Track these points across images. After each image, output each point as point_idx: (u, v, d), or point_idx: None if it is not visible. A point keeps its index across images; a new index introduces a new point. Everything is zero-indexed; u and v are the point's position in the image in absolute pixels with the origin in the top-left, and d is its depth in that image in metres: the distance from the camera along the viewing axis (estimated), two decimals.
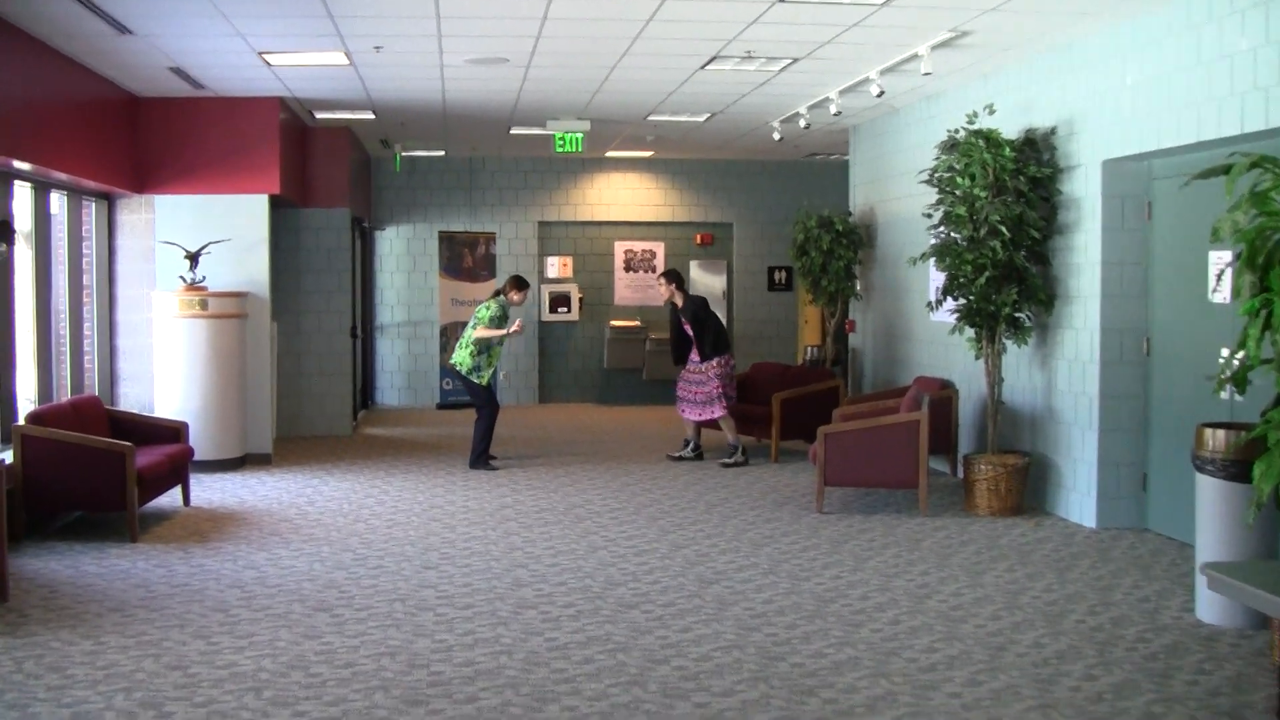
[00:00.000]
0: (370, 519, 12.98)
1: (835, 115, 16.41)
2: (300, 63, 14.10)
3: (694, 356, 16.69)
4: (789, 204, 24.17)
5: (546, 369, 24.63)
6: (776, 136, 18.97)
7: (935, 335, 16.14)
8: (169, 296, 15.72)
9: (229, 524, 12.68)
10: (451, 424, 20.84)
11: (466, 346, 16.29)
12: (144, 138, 16.29)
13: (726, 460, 16.50)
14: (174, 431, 13.74)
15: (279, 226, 18.95)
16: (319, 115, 18.24)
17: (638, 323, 24.45)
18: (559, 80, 15.44)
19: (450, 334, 23.14)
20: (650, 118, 18.53)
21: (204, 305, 15.65)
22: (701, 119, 18.62)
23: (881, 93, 14.67)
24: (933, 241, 13.96)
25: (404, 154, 22.70)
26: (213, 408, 15.80)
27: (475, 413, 16.56)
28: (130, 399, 16.41)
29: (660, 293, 16.97)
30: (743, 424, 17.30)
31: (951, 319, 13.88)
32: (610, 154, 23.70)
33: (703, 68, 14.46)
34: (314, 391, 19.50)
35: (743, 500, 14.12)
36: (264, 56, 13.67)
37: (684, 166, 24.79)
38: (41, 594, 9.96)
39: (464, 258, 23.50)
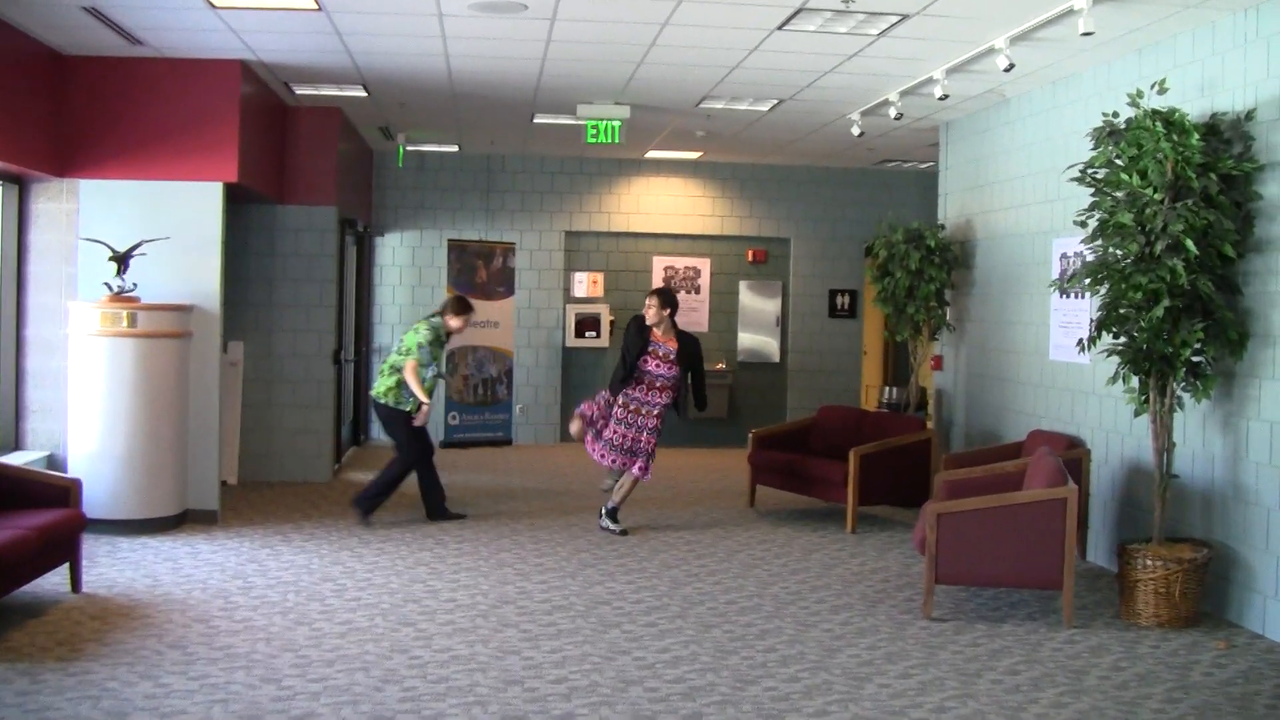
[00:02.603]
0: (320, 618, 9.61)
1: (941, 99, 13.14)
2: (251, 3, 10.81)
3: (646, 396, 13.28)
4: (855, 218, 21.37)
5: (570, 402, 21.12)
6: (856, 132, 15.72)
7: (1057, 379, 12.98)
8: (88, 308, 12.47)
9: (121, 624, 9.33)
10: (455, 467, 17.57)
11: (390, 375, 13.54)
12: (68, 107, 13.06)
13: (611, 526, 13.45)
14: (61, 492, 10.35)
15: (249, 225, 15.96)
16: (299, 91, 15.03)
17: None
18: (593, 44, 12.26)
19: (459, 360, 19.93)
20: (703, 104, 15.30)
21: (132, 320, 12.39)
22: (765, 108, 15.39)
23: (1010, 66, 11.37)
24: (1086, 257, 10.79)
25: (409, 147, 19.51)
26: (140, 451, 12.54)
27: (394, 450, 13.88)
28: (40, 437, 13.12)
29: (647, 314, 13.35)
30: (809, 485, 14.13)
31: (1091, 360, 11.24)
32: (651, 154, 20.53)
33: (781, 26, 11.23)
34: (286, 427, 16.24)
35: (821, 594, 10.77)
36: None
37: (736, 171, 21.55)
38: None
39: (478, 271, 20.26)
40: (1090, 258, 10.44)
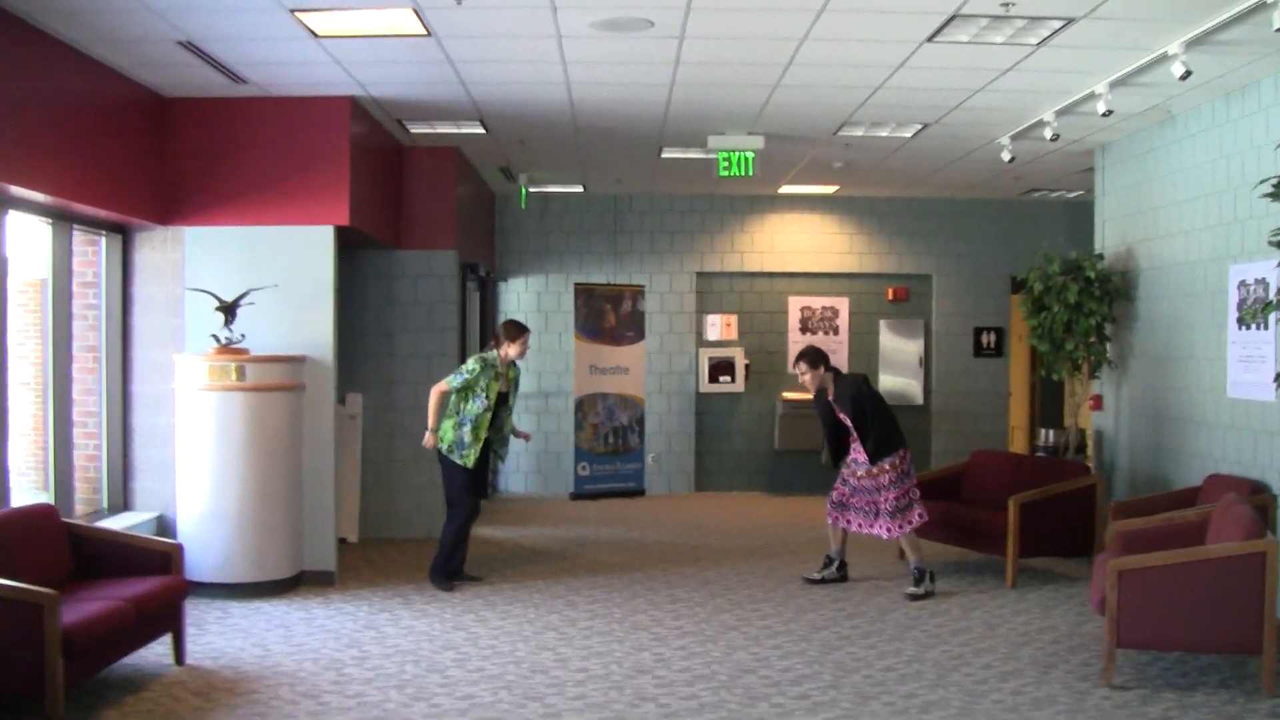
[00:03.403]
0: (439, 692, 8.77)
1: (1104, 115, 12.07)
2: (355, 29, 10.08)
3: (857, 455, 12.46)
4: (1000, 251, 20.32)
5: (704, 450, 20.40)
6: (1006, 157, 14.73)
7: (1237, 418, 11.90)
8: (195, 361, 11.77)
9: (224, 700, 8.55)
10: (586, 521, 16.72)
11: (449, 417, 12.50)
12: (171, 152, 12.40)
13: (913, 590, 12.21)
14: (162, 558, 9.56)
15: (365, 272, 15.27)
16: (414, 129, 14.27)
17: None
18: (724, 65, 11.38)
19: (588, 407, 19.07)
20: (842, 132, 14.37)
21: (241, 373, 11.67)
22: (909, 134, 14.44)
23: (1187, 74, 10.35)
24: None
25: (531, 188, 18.70)
26: (252, 510, 11.81)
27: (447, 509, 12.77)
28: (149, 497, 12.40)
29: (804, 381, 12.56)
30: (964, 536, 13.14)
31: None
32: (785, 189, 19.59)
33: (931, 38, 10.31)
34: (408, 483, 15.46)
35: (987, 658, 9.78)
36: (299, 17, 9.65)
37: (874, 206, 20.57)
38: None
39: (605, 315, 19.40)
40: None
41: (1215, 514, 9.97)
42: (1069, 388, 15.20)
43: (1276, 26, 9.00)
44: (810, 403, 18.25)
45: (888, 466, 12.11)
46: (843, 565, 12.83)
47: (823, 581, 12.70)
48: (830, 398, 12.42)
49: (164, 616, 9.15)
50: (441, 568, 12.48)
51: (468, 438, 12.25)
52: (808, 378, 12.38)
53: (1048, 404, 21.63)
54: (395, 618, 11.03)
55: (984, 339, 20.69)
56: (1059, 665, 9.56)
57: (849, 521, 12.48)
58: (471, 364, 12.32)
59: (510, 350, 12.50)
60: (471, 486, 12.51)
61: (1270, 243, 9.38)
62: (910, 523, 12.12)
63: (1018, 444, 21.33)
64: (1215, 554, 8.83)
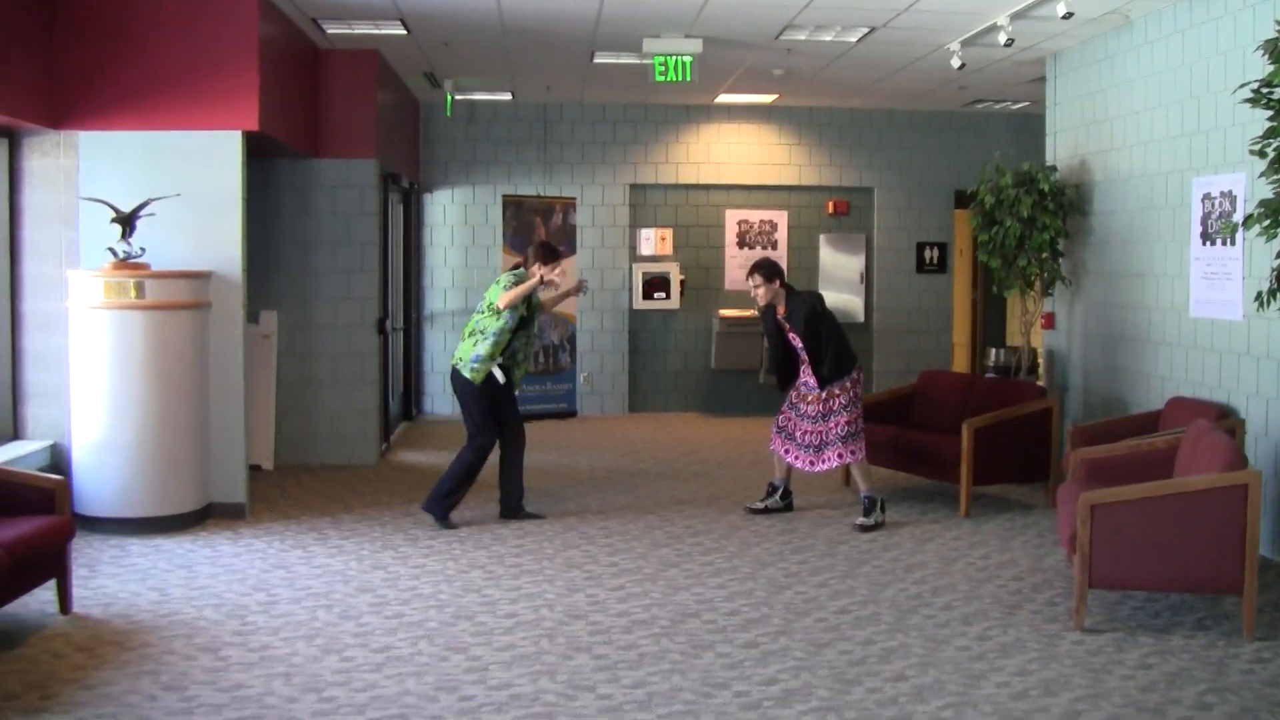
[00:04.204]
0: (353, 644, 7.99)
1: (1065, 17, 11.33)
2: None
3: (806, 378, 11.67)
4: (944, 165, 19.78)
5: (639, 370, 19.67)
6: (956, 64, 13.98)
7: (1200, 338, 11.33)
8: (90, 278, 10.90)
9: (111, 657, 7.71)
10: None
11: (469, 338, 11.48)
12: (62, 49, 11.42)
13: (864, 520, 11.49)
14: (45, 495, 8.69)
15: (279, 183, 14.39)
16: (331, 30, 13.43)
17: (754, 312, 19.00)
18: None
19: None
20: (785, 35, 13.61)
21: (140, 290, 10.82)
22: (854, 38, 13.70)
23: None
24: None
25: (457, 95, 17.85)
26: (154, 439, 10.97)
27: (468, 435, 11.69)
28: (41, 425, 11.49)
29: (756, 295, 11.69)
30: (914, 461, 12.49)
31: (1245, 316, 10.36)
32: (722, 99, 18.78)
33: None
34: (327, 407, 14.66)
35: (947, 598, 9.10)
36: None
37: (814, 116, 19.78)
38: None
39: (536, 229, 18.57)
40: (1270, 193, 8.65)
41: (1185, 441, 9.34)
42: (1021, 305, 14.49)
43: None
44: (749, 320, 17.68)
45: (837, 391, 11.37)
46: (787, 493, 12.13)
47: (766, 511, 12.01)
48: (781, 315, 11.65)
49: (45, 561, 8.27)
50: (443, 498, 11.52)
51: (484, 352, 11.29)
52: (761, 291, 11.54)
53: (990, 321, 21.03)
54: (308, 555, 10.26)
55: (927, 254, 20.03)
56: (1024, 605, 8.89)
57: (791, 454, 11.74)
58: (507, 278, 11.45)
59: (540, 272, 11.50)
60: (493, 411, 11.56)
61: (1251, 151, 8.63)
62: (860, 450, 11.40)
63: (960, 362, 20.73)
64: (1194, 486, 8.14)
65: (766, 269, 11.56)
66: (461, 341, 11.53)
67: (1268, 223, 8.28)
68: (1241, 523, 8.02)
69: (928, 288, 20.08)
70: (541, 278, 11.31)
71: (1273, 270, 8.41)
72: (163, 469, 10.99)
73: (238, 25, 11.58)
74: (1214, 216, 10.92)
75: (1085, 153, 13.71)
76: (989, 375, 15.15)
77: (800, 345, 11.48)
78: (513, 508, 11.80)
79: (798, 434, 11.63)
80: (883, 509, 11.51)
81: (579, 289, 12.30)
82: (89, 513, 10.81)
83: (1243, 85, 8.71)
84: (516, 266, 11.75)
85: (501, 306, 11.19)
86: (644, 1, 12.13)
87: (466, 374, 11.32)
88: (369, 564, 9.96)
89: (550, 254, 11.63)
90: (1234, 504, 8.03)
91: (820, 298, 11.82)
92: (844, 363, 11.41)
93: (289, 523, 11.47)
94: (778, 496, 12.09)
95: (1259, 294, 8.47)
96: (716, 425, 18.39)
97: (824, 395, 11.40)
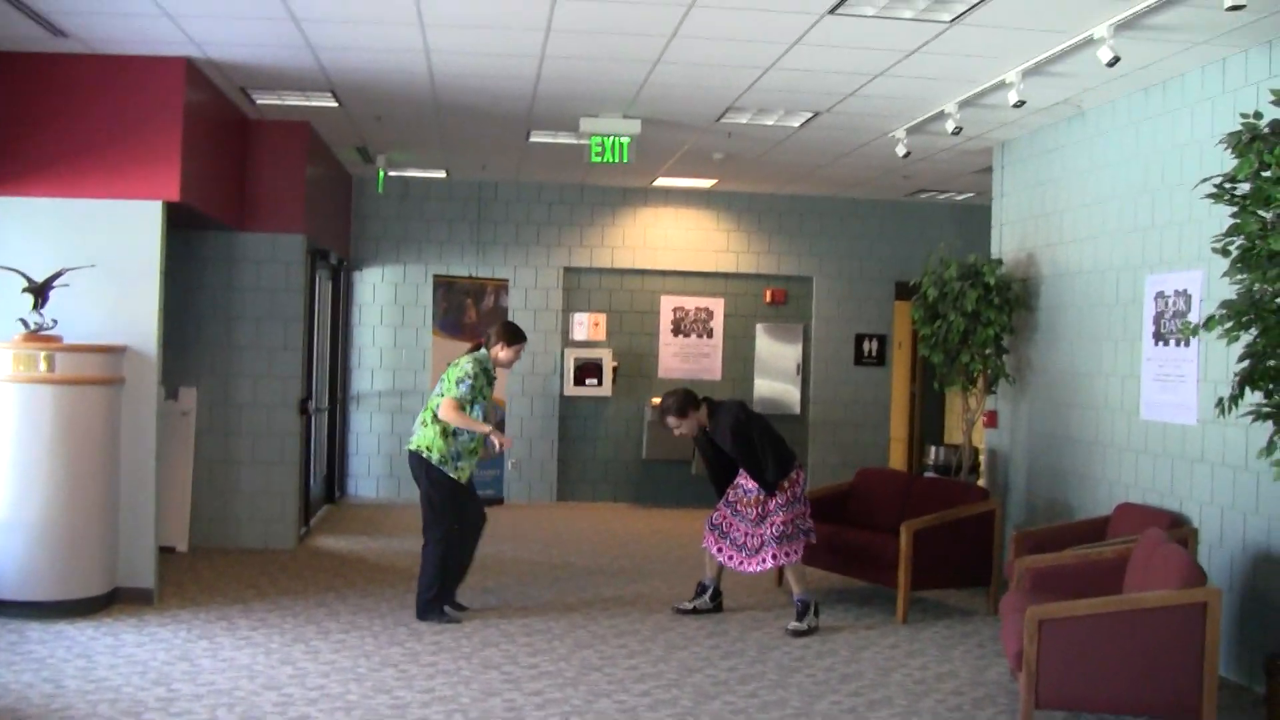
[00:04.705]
0: None
1: (1016, 105, 10.96)
2: None
3: (744, 481, 11.24)
4: (885, 255, 19.48)
5: (568, 457, 19.18)
6: (901, 152, 13.60)
7: (1151, 442, 10.96)
8: (1, 350, 10.34)
9: None
10: None
11: (435, 423, 10.91)
12: None
13: (797, 625, 10.99)
14: None
15: (203, 256, 13.99)
16: (260, 100, 12.97)
17: None
18: (601, 36, 10.25)
19: None
20: (726, 118, 13.25)
21: (51, 363, 10.34)
22: (797, 122, 13.37)
23: (1115, 60, 9.30)
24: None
25: (390, 171, 17.44)
26: (59, 519, 10.45)
27: (424, 529, 11.13)
28: None
29: (679, 433, 11.38)
30: (850, 563, 12.10)
31: (1200, 421, 10.06)
32: (660, 182, 18.41)
33: (834, 9, 9.19)
34: (246, 487, 14.13)
35: (881, 712, 8.65)
36: None
37: (753, 203, 19.46)
38: None
39: (466, 310, 18.15)
40: (1232, 293, 8.29)
41: (1137, 551, 8.95)
42: (963, 402, 14.10)
43: (1228, 4, 7.96)
44: None
45: (776, 492, 10.96)
46: (717, 593, 11.67)
47: (695, 612, 11.53)
48: (709, 431, 11.27)
49: None
50: (434, 599, 10.95)
51: (465, 448, 10.88)
52: (682, 428, 11.23)
53: (927, 417, 20.69)
54: (215, 646, 9.71)
55: (866, 346, 19.66)
56: None
57: (725, 554, 11.28)
58: (469, 366, 10.90)
59: (502, 354, 11.11)
60: (458, 501, 11.03)
61: (1214, 249, 8.30)
62: (796, 552, 10.95)
63: (897, 458, 20.36)
64: (1150, 603, 7.75)
65: (675, 408, 11.23)
66: (422, 427, 10.99)
67: (1229, 324, 7.94)
68: (1200, 642, 7.65)
69: (866, 380, 19.70)
70: (488, 436, 10.86)
71: (1234, 375, 8.05)
72: (67, 551, 10.46)
73: (162, 92, 11.19)
74: (1167, 315, 10.59)
75: (1033, 246, 13.40)
76: (928, 474, 14.79)
77: (735, 457, 11.10)
78: (434, 605, 11.22)
79: (733, 534, 11.19)
80: (816, 613, 11.05)
81: (506, 446, 11.42)
82: None
83: (1204, 180, 8.45)
84: (476, 346, 11.24)
85: (444, 417, 10.76)
86: (582, 79, 11.75)
87: (449, 472, 10.85)
88: (277, 658, 9.43)
89: (515, 335, 11.21)
90: (1192, 623, 7.65)
91: (742, 405, 11.35)
92: (783, 463, 10.98)
93: (198, 610, 10.93)
94: (707, 597, 11.63)
95: (1220, 400, 8.10)
96: (646, 517, 17.91)
97: (762, 497, 10.95)
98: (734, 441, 10.94)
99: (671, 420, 11.19)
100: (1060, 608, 7.90)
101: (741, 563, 11.08)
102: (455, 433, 10.81)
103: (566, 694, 8.77)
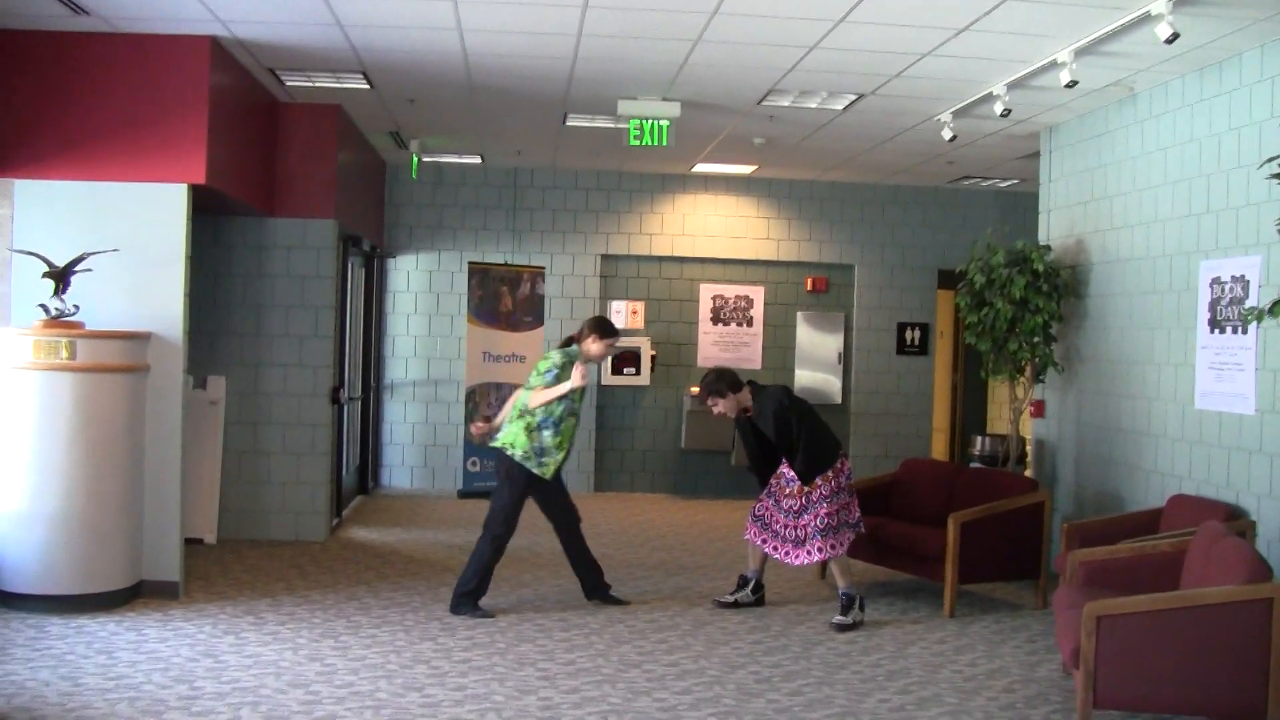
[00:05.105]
0: None
1: (1069, 86, 10.62)
2: None
3: (786, 470, 10.93)
4: (927, 243, 19.12)
5: (605, 447, 18.88)
6: (948, 135, 13.30)
7: (1206, 433, 10.62)
8: (19, 336, 10.12)
9: None
10: (474, 523, 15.03)
11: (520, 419, 10.68)
12: (2, 91, 10.73)
13: (841, 619, 10.66)
14: None
15: (232, 242, 13.71)
16: (290, 82, 12.70)
17: None
18: (640, 13, 9.94)
19: (480, 397, 17.49)
20: (767, 100, 12.92)
21: (72, 350, 10.04)
22: (840, 106, 13.04)
23: (1174, 36, 8.93)
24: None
25: (425, 157, 17.14)
26: (80, 511, 10.15)
27: (485, 524, 10.86)
28: None
29: (717, 412, 11.15)
30: (895, 556, 11.77)
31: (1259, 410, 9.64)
32: (699, 168, 18.07)
33: None
34: (276, 478, 13.85)
35: (931, 711, 8.32)
36: None
37: (794, 189, 19.10)
38: None
39: (502, 299, 17.84)
40: None
41: (1195, 545, 8.60)
42: (1010, 391, 13.72)
43: None
44: None
45: (819, 482, 10.63)
46: (759, 587, 11.34)
47: (736, 605, 11.22)
48: (750, 415, 10.97)
49: None
50: (468, 594, 10.67)
51: (550, 443, 10.65)
52: (722, 406, 10.97)
53: (969, 407, 20.35)
54: (241, 642, 9.43)
55: (908, 335, 19.31)
56: None
57: (769, 545, 10.97)
58: (557, 357, 10.69)
59: (594, 348, 10.87)
60: (543, 496, 10.90)
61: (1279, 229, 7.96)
62: (842, 544, 10.62)
63: (939, 449, 20.00)
64: (1212, 599, 7.39)
65: (715, 386, 11.00)
66: (508, 424, 10.77)
67: None
68: (1265, 640, 7.31)
69: (908, 370, 19.35)
70: (572, 386, 10.56)
71: None
72: (89, 543, 10.17)
73: (187, 73, 10.90)
74: (1224, 302, 10.23)
75: (1082, 232, 13.04)
76: (974, 465, 14.43)
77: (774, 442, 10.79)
78: (595, 586, 11.19)
79: (775, 525, 10.87)
80: (861, 607, 10.73)
81: (582, 382, 11.19)
82: (8, 588, 10.04)
83: (1271, 159, 8.04)
84: (569, 342, 11.00)
85: (532, 405, 10.57)
86: (620, 60, 11.45)
87: (532, 468, 10.63)
88: (305, 654, 9.14)
89: (607, 330, 10.97)
90: (1257, 619, 7.32)
91: (787, 391, 11.04)
92: (821, 456, 10.67)
93: (225, 603, 10.65)
94: (749, 590, 11.31)
95: None
96: (684, 508, 17.59)
97: (806, 488, 10.62)
98: (774, 426, 10.66)
99: (711, 398, 10.93)
100: (1119, 603, 7.55)
101: (786, 554, 10.76)
102: (540, 427, 10.60)
103: (604, 691, 8.47)
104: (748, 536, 11.17)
